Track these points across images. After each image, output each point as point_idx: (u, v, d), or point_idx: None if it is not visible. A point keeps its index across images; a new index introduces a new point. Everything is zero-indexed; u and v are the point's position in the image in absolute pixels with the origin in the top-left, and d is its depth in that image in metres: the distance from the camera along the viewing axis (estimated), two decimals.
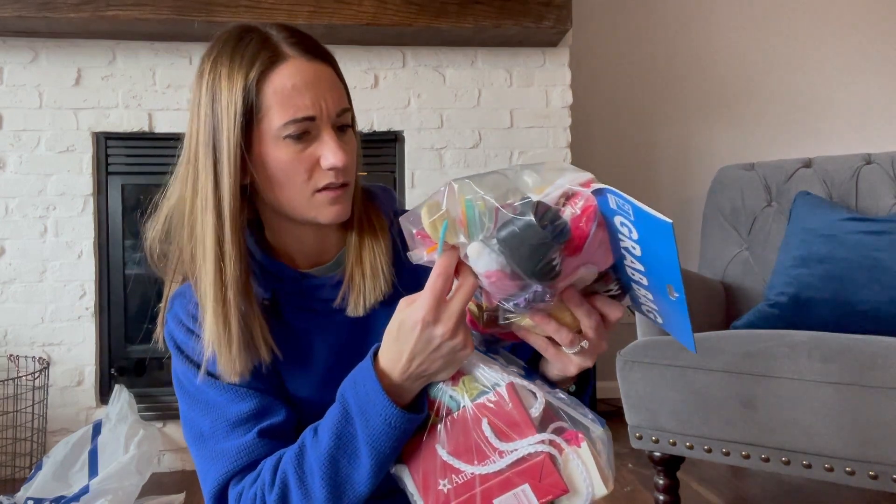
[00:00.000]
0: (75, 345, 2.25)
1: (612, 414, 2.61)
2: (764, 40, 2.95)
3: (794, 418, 1.37)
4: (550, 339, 0.65)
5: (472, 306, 0.67)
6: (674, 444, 1.53)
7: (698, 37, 2.93)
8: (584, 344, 0.64)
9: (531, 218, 0.56)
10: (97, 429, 2.10)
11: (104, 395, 2.27)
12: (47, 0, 2.04)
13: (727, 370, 1.45)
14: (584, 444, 0.63)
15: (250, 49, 0.74)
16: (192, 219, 0.76)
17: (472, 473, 0.64)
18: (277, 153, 0.74)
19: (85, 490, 1.81)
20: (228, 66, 0.74)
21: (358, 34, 2.27)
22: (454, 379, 0.68)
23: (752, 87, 2.95)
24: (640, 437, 1.59)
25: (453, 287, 0.63)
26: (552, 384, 0.72)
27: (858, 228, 1.80)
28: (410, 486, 0.68)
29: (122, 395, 2.18)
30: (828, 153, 2.41)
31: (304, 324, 0.82)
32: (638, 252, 0.57)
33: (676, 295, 0.56)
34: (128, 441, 2.00)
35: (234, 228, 0.74)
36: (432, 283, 0.61)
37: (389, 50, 2.40)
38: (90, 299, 2.26)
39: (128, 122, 2.27)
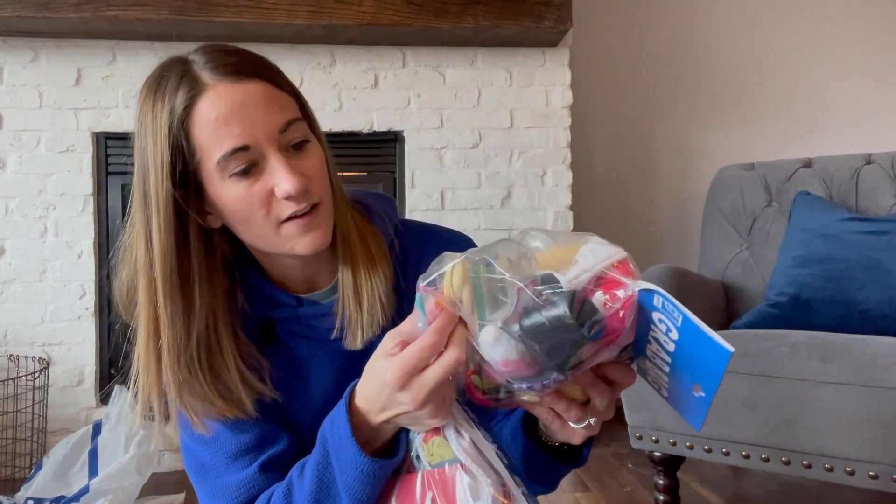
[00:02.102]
0: (75, 345, 2.25)
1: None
2: (764, 40, 2.95)
3: (794, 418, 1.37)
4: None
5: (473, 376, 0.61)
6: (674, 444, 1.53)
7: (698, 37, 2.93)
8: (593, 420, 0.62)
9: (565, 311, 0.50)
10: (97, 429, 2.10)
11: (104, 395, 2.27)
12: (47, 0, 2.04)
13: (727, 370, 1.45)
14: None
15: (170, 88, 0.67)
16: (133, 286, 0.71)
17: None
18: (229, 192, 0.68)
19: (85, 490, 1.81)
20: (151, 113, 0.68)
21: (358, 34, 2.27)
22: (428, 434, 0.63)
23: (752, 87, 2.95)
24: (640, 437, 1.59)
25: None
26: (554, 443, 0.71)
27: (858, 228, 1.80)
28: None
29: (122, 396, 2.18)
30: (828, 153, 2.41)
31: (303, 351, 0.79)
32: (671, 348, 0.54)
33: (703, 395, 0.54)
34: (128, 441, 2.00)
35: (165, 290, 0.68)
36: (412, 350, 0.56)
37: (389, 50, 2.40)
38: (90, 299, 2.26)
39: (128, 122, 2.27)
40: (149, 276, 0.68)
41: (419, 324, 0.57)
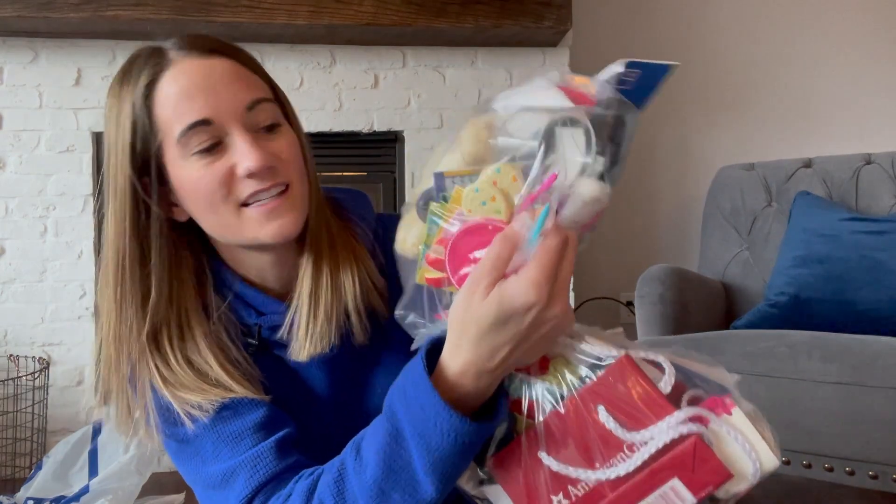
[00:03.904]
0: (75, 345, 2.25)
1: None
2: (764, 40, 2.95)
3: (794, 418, 1.37)
4: None
5: None
6: None
7: (698, 37, 2.93)
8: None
9: (617, 98, 0.50)
10: (97, 429, 2.10)
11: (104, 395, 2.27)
12: (47, 0, 2.04)
13: (727, 370, 1.45)
14: (735, 410, 0.51)
15: (136, 69, 0.66)
16: (103, 278, 0.68)
17: (596, 480, 0.50)
18: (190, 173, 0.64)
19: (85, 490, 1.81)
20: (118, 96, 0.66)
21: (358, 34, 2.27)
22: (541, 366, 0.54)
23: (752, 87, 2.95)
24: None
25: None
26: None
27: (858, 228, 1.80)
28: None
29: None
30: (828, 153, 2.41)
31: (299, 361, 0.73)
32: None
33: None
34: (128, 441, 2.00)
35: (117, 276, 0.65)
36: (545, 257, 0.48)
37: (389, 50, 2.40)
38: (90, 299, 2.26)
39: None
40: (105, 262, 0.67)
41: (528, 242, 0.49)
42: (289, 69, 2.33)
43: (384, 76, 2.39)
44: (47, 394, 2.20)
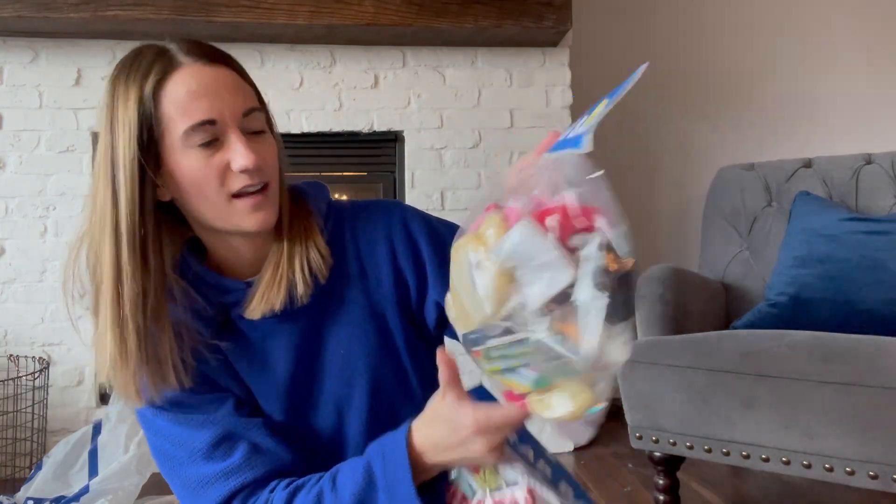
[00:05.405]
0: (75, 345, 2.25)
1: (612, 414, 2.61)
2: (764, 40, 2.95)
3: (794, 418, 1.37)
4: None
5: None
6: (674, 444, 1.53)
7: (698, 37, 2.93)
8: None
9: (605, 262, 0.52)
10: (97, 429, 2.10)
11: (104, 395, 2.27)
12: (47, 0, 2.04)
13: (727, 370, 1.45)
14: None
15: (144, 63, 0.75)
16: (95, 245, 0.76)
17: None
18: (187, 163, 0.73)
19: (85, 490, 1.81)
20: (124, 84, 0.75)
21: (358, 34, 2.27)
22: (475, 468, 0.70)
23: (752, 87, 2.95)
24: (640, 437, 1.59)
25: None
26: None
27: (858, 228, 1.80)
28: None
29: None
30: (828, 153, 2.41)
31: (259, 333, 0.82)
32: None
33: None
34: (128, 441, 2.00)
35: (132, 246, 0.72)
36: (506, 415, 0.63)
37: (389, 50, 2.40)
38: (90, 299, 2.25)
39: None
40: (115, 232, 0.73)
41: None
42: (289, 69, 2.34)
43: (384, 76, 2.39)
44: (47, 394, 2.20)
